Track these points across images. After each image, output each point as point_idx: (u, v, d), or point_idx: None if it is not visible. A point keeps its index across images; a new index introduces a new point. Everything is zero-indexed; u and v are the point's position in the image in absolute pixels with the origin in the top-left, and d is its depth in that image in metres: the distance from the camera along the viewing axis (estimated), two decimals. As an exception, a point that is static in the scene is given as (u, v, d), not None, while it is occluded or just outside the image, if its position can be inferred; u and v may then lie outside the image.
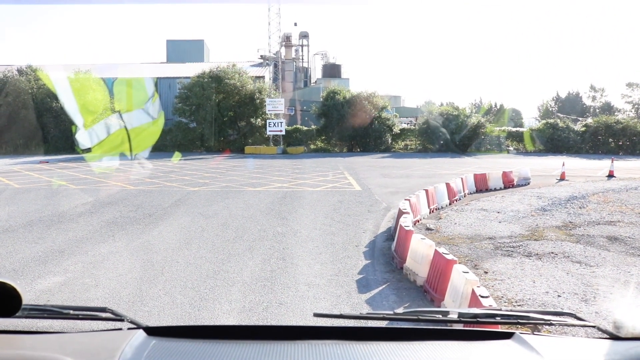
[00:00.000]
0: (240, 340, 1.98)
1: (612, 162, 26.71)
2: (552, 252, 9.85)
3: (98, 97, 41.85)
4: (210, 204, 15.33)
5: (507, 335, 2.02)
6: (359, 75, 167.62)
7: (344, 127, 44.86)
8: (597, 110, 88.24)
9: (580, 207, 15.51)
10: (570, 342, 2.11)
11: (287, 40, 66.13)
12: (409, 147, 47.97)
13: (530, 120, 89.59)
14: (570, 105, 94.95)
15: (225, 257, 9.30)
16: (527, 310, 2.35)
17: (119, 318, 2.13)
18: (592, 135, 46.23)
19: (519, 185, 20.97)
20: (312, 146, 46.65)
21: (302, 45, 71.80)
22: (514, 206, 15.42)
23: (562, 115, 57.00)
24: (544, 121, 49.82)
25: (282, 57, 61.63)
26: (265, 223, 12.46)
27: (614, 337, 2.04)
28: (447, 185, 15.80)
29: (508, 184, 20.49)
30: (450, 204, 15.71)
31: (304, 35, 71.20)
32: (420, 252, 7.84)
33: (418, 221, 12.68)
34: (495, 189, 19.69)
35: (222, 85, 43.64)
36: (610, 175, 25.51)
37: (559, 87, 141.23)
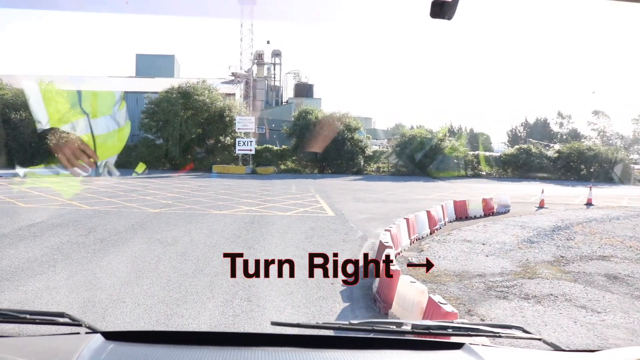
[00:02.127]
0: (197, 345, 1.96)
1: (590, 190, 26.11)
2: (551, 294, 8.80)
3: (61, 109, 40.19)
4: (170, 229, 13.97)
5: (458, 346, 2.04)
6: (331, 96, 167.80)
7: (316, 147, 43.75)
8: (565, 137, 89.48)
9: (567, 239, 14.61)
10: (516, 354, 2.12)
11: (259, 58, 65.14)
12: (381, 169, 47.07)
13: (500, 145, 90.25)
14: (538, 131, 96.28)
15: (181, 295, 7.99)
16: (478, 323, 2.53)
17: (77, 323, 2.11)
18: (564, 161, 46.01)
19: (499, 213, 20.06)
20: (282, 166, 45.39)
21: (274, 64, 70.88)
22: (498, 237, 14.42)
23: (534, 141, 56.91)
24: (517, 146, 49.52)
25: (254, 74, 60.62)
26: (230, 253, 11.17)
27: (558, 349, 2.14)
28: (428, 213, 14.73)
29: (488, 211, 19.56)
30: (431, 234, 14.64)
31: (276, 54, 70.30)
32: (409, 298, 6.68)
33: (399, 254, 11.53)
34: (475, 217, 18.72)
35: (191, 101, 42.20)
36: (589, 204, 24.92)
37: (527, 113, 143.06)
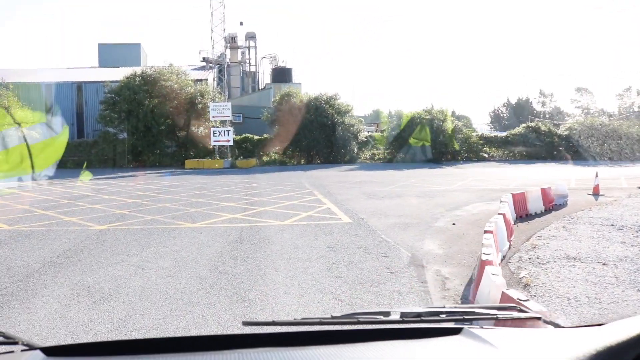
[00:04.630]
0: (154, 355, 1.66)
1: (645, 170, 21.67)
2: None
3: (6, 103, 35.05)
4: (114, 262, 8.97)
5: (456, 331, 1.83)
6: (309, 82, 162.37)
7: (302, 135, 38.61)
8: (548, 115, 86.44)
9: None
10: (519, 333, 1.93)
11: (232, 42, 59.64)
12: (377, 157, 42.13)
13: (482, 126, 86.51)
14: (521, 110, 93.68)
15: None
16: (471, 306, 2.63)
17: (13, 341, 1.83)
18: (577, 139, 41.56)
19: (558, 206, 15.41)
20: (264, 158, 40.18)
21: (248, 48, 65.35)
22: (607, 248, 9.67)
23: (536, 119, 52.45)
24: (524, 125, 44.85)
25: (227, 59, 55.29)
26: (208, 314, 6.23)
27: (557, 327, 1.99)
28: (504, 218, 9.90)
29: (549, 205, 14.89)
30: (509, 247, 9.86)
31: (250, 37, 64.72)
32: None
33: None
34: (536, 214, 14.03)
35: (157, 87, 36.68)
36: (645, 187, 20.51)
37: (509, 93, 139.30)
